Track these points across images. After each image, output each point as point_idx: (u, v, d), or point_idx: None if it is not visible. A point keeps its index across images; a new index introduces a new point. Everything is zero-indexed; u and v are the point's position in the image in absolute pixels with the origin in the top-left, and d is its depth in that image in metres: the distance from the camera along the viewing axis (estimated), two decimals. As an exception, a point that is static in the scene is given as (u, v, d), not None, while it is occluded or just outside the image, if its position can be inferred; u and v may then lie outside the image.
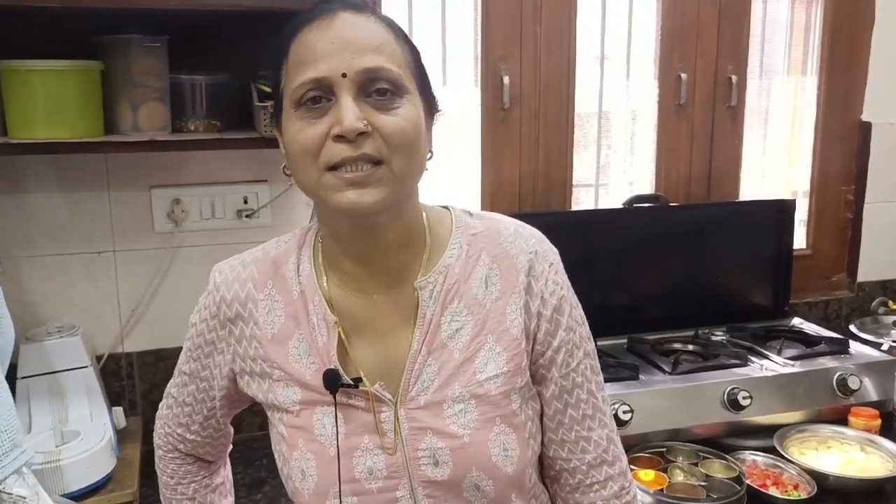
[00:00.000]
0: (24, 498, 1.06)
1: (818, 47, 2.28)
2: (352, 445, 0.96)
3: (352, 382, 0.94)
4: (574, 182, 2.14)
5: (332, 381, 0.94)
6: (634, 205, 2.07)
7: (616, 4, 2.12)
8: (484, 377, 0.95)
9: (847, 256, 2.39)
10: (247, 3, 1.40)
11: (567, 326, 0.98)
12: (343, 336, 0.97)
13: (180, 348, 1.74)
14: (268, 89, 1.57)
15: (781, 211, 2.15)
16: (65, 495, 1.37)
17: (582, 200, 2.20)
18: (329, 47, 0.86)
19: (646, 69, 2.17)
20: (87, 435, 1.47)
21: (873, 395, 1.81)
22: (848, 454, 1.65)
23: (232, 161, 1.74)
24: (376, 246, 0.95)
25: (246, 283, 1.01)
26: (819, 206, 2.36)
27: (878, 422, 1.72)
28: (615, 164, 2.24)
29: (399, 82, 0.88)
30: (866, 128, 2.30)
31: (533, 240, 1.00)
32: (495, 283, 0.97)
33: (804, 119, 2.35)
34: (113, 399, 1.71)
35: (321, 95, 0.86)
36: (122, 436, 1.63)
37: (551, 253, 1.00)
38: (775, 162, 2.38)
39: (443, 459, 0.94)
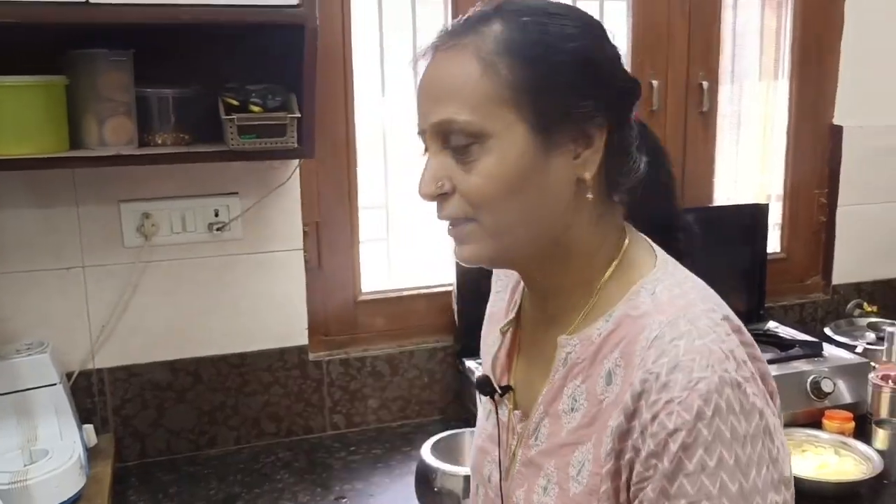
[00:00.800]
0: (-14, 520, 1.04)
1: (789, 52, 2.30)
2: (487, 448, 0.97)
3: (498, 390, 0.94)
4: (548, 189, 2.14)
5: (482, 385, 0.95)
6: (608, 211, 2.06)
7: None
8: (574, 472, 0.82)
9: (821, 259, 2.40)
10: (204, 16, 1.39)
11: (670, 481, 0.73)
12: (516, 347, 0.97)
13: (152, 363, 1.76)
14: (235, 102, 1.56)
15: (755, 215, 2.15)
16: (33, 515, 1.35)
17: (557, 208, 2.20)
18: (420, 96, 0.82)
19: (618, 76, 2.17)
20: (56, 453, 1.45)
21: (847, 398, 1.81)
22: (822, 457, 1.65)
23: (201, 174, 1.73)
24: (532, 285, 0.92)
25: None
26: (792, 210, 2.37)
27: (852, 424, 1.72)
28: (589, 171, 2.24)
29: (473, 130, 0.77)
30: (838, 131, 2.32)
31: (666, 359, 0.75)
32: (616, 384, 0.80)
33: (776, 123, 2.36)
34: (84, 416, 1.69)
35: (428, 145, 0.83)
36: (92, 453, 1.61)
37: (683, 388, 0.73)
38: (748, 166, 2.39)
39: None
